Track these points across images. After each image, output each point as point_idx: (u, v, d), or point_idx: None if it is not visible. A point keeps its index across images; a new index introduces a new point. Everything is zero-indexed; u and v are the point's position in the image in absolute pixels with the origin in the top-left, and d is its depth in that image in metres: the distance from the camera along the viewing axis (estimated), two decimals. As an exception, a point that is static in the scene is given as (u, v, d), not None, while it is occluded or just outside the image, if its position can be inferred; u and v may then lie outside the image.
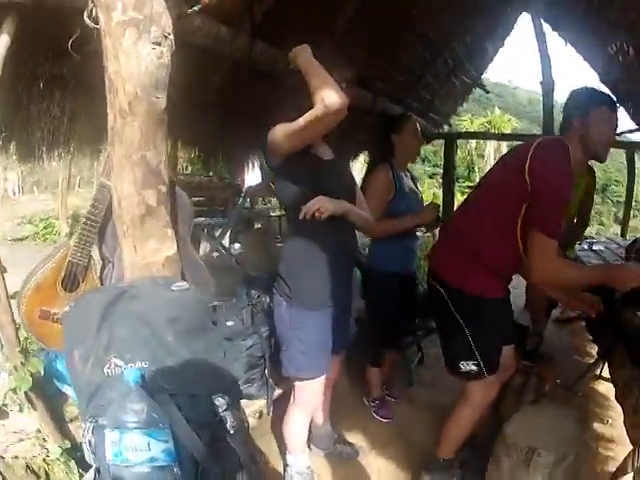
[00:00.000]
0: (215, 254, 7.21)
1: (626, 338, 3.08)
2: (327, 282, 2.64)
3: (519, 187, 2.55)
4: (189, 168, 9.31)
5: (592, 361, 4.93)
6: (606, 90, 8.18)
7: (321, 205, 2.43)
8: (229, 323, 3.12)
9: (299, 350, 2.67)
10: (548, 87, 7.59)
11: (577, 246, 5.81)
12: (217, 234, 7.64)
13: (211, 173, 8.94)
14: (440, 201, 9.15)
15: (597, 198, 33.40)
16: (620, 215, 34.86)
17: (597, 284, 2.78)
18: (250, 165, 6.36)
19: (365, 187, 3.58)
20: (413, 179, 4.20)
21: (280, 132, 2.42)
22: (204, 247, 7.42)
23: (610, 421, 4.26)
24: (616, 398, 3.23)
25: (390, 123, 4.01)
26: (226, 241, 7.82)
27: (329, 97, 2.20)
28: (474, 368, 2.80)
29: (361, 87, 5.64)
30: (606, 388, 4.45)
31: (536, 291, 4.49)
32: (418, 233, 4.31)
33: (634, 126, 8.52)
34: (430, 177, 28.82)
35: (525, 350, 4.24)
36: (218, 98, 4.08)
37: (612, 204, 36.90)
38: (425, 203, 4.16)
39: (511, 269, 2.88)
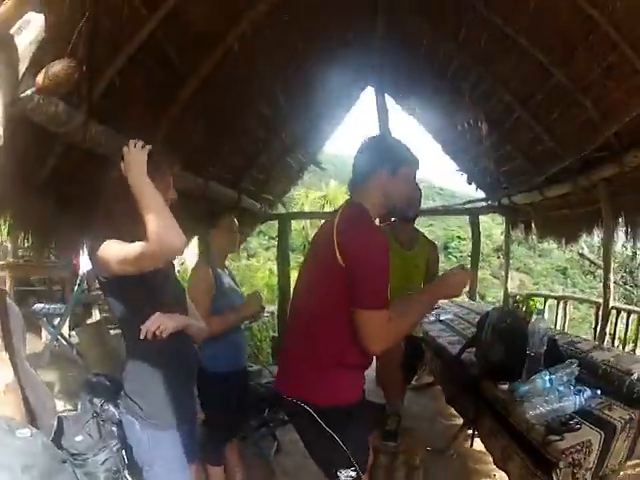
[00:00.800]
0: (55, 344, 6.92)
1: (493, 409, 3.23)
2: (177, 398, 2.56)
3: (336, 271, 2.39)
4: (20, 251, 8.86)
5: (460, 424, 5.18)
6: (449, 158, 9.35)
7: (160, 323, 2.31)
8: (78, 438, 3.00)
9: (163, 469, 2.55)
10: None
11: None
12: (56, 322, 7.30)
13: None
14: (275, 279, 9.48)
15: (440, 255, 34.92)
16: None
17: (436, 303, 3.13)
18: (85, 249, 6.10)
19: (189, 287, 3.55)
20: (231, 275, 4.20)
21: (111, 254, 2.24)
22: (45, 336, 7.11)
23: (496, 475, 4.43)
24: (495, 464, 3.28)
25: (207, 220, 4.06)
26: (66, 329, 7.49)
27: (166, 238, 2.07)
28: (353, 474, 2.59)
29: (192, 172, 5.67)
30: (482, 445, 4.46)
31: (387, 369, 4.45)
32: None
33: (473, 192, 9.95)
34: (266, 250, 28.75)
35: (386, 431, 4.08)
36: (53, 180, 3.94)
37: (456, 260, 38.86)
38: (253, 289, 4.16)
39: (360, 357, 2.62)
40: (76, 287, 7.89)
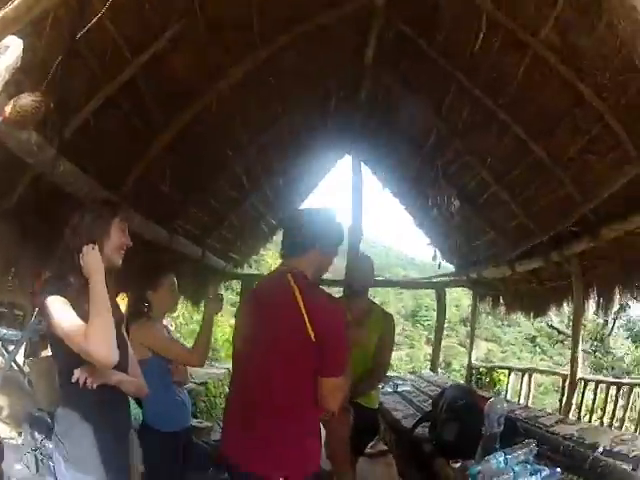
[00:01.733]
0: (8, 370, 6.70)
1: None
2: (102, 447, 2.50)
3: (306, 345, 2.38)
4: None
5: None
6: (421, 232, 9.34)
7: (88, 375, 2.28)
8: (17, 467, 2.99)
9: None
10: (355, 233, 7.63)
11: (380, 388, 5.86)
12: (11, 348, 7.04)
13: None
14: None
15: (408, 323, 34.49)
16: (431, 337, 36.75)
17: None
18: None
19: (151, 344, 3.52)
20: (169, 331, 4.17)
21: (52, 312, 2.24)
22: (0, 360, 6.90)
23: None
24: None
25: (147, 280, 3.93)
26: (21, 356, 7.24)
27: (96, 343, 2.11)
28: None
29: (158, 223, 5.62)
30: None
31: (336, 443, 4.23)
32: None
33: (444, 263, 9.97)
34: (232, 305, 28.26)
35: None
36: (20, 207, 3.81)
37: (423, 328, 38.85)
38: None
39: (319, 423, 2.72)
40: (33, 317, 7.66)
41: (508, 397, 8.90)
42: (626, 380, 7.78)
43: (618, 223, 5.11)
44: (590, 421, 6.97)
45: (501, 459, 2.64)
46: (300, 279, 2.50)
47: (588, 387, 7.17)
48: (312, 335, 2.33)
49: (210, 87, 4.81)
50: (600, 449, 2.96)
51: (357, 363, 3.35)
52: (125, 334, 2.76)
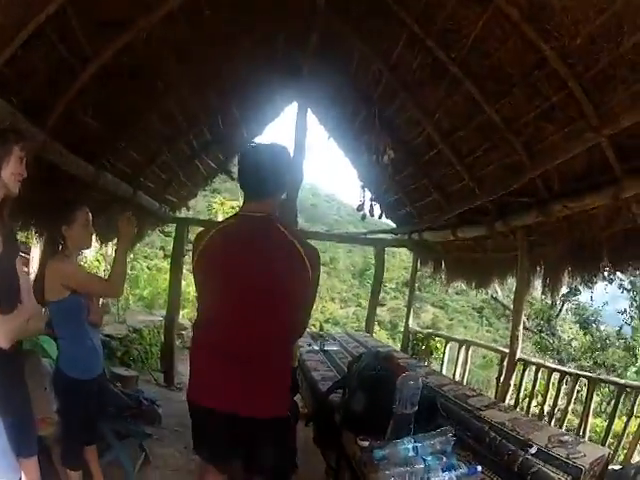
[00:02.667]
0: None
1: (349, 463, 3.02)
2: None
3: (307, 286, 2.60)
4: None
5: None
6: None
7: None
8: None
9: None
10: (296, 179, 7.11)
11: (307, 346, 5.91)
12: None
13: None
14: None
15: (356, 281, 34.68)
16: (380, 297, 36.84)
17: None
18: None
19: (69, 281, 3.53)
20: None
21: None
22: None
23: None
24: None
25: (61, 214, 3.85)
26: None
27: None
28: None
29: (84, 158, 5.26)
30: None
31: None
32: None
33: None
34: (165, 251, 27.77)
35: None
36: None
37: (370, 286, 39.09)
38: None
39: None
40: None
41: (444, 368, 8.79)
42: (572, 369, 7.54)
43: (572, 200, 4.81)
44: (529, 406, 6.82)
45: (410, 446, 2.44)
46: (283, 223, 2.60)
47: (529, 369, 6.96)
48: (310, 275, 2.52)
49: (142, 17, 4.38)
50: (534, 449, 2.65)
51: None
52: (18, 267, 2.68)
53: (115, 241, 4.00)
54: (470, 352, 8.47)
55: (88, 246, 4.14)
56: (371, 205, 7.97)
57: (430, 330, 11.04)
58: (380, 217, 8.70)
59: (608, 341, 14.05)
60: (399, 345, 10.89)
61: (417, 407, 2.72)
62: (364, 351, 5.07)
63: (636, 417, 5.78)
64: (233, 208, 17.43)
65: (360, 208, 7.87)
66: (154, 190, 8.07)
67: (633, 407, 5.72)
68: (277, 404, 2.68)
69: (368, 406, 2.98)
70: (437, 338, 9.97)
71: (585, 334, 15.15)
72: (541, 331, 15.67)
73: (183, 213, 10.07)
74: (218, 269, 2.60)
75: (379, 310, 35.85)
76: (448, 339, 9.43)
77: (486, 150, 5.79)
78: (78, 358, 3.66)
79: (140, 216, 7.50)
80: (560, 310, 15.76)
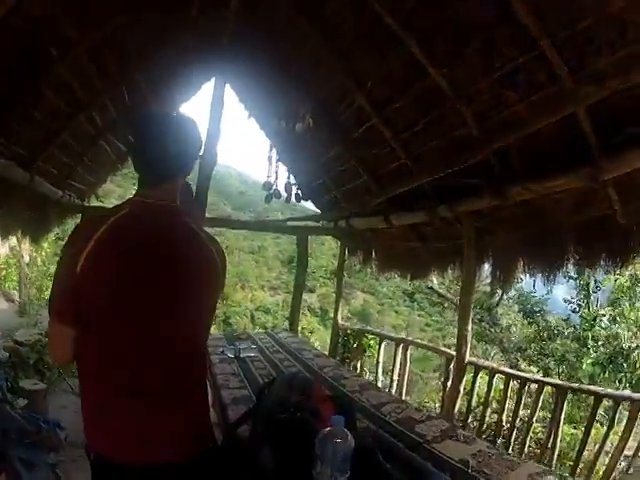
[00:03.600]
0: None
1: None
2: None
3: (219, 281, 2.18)
4: None
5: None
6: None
7: None
8: None
9: None
10: (210, 161, 6.62)
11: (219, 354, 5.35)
12: None
13: None
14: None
15: (284, 269, 34.53)
16: (308, 284, 36.94)
17: None
18: None
19: None
20: None
21: None
22: None
23: None
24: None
25: None
26: None
27: None
28: None
29: None
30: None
31: None
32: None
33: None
34: None
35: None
36: None
37: None
38: None
39: None
40: None
41: (379, 369, 8.05)
42: (536, 377, 6.50)
43: (535, 182, 4.06)
44: (483, 416, 6.13)
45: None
46: (190, 216, 2.16)
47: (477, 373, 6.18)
48: (221, 275, 2.17)
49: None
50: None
51: None
52: None
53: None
54: (409, 352, 7.56)
55: None
56: (289, 186, 6.92)
57: (361, 326, 10.01)
58: (299, 201, 7.57)
59: (556, 331, 13.51)
60: (330, 333, 9.86)
61: (349, 473, 1.98)
62: (281, 372, 4.58)
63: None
64: None
65: (268, 186, 6.79)
66: (57, 176, 7.02)
67: (614, 419, 5.00)
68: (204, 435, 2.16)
69: (278, 467, 2.22)
70: (370, 336, 9.00)
71: (530, 324, 14.60)
72: (481, 320, 15.10)
73: (94, 202, 8.96)
74: (112, 277, 1.93)
75: (309, 297, 35.94)
76: (382, 337, 8.44)
77: (428, 123, 4.98)
78: None
79: (42, 206, 6.94)
80: (500, 299, 15.08)
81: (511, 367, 12.05)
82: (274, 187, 6.75)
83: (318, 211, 9.27)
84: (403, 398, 7.21)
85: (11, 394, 5.96)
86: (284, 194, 6.84)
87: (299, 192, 7.11)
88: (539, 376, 6.02)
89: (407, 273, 7.65)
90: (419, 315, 33.03)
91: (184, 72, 6.76)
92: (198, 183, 6.38)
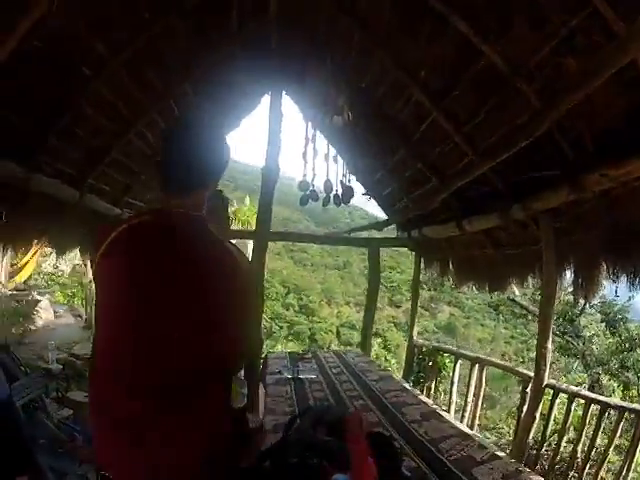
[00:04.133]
0: None
1: None
2: None
3: (244, 292, 1.99)
4: None
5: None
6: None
7: None
8: None
9: None
10: (271, 175, 6.34)
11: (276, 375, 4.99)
12: None
13: None
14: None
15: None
16: (394, 299, 36.49)
17: None
18: None
19: None
20: None
21: None
22: None
23: None
24: None
25: None
26: None
27: None
28: None
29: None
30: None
31: None
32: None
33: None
34: None
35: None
36: None
37: (386, 289, 38.63)
38: None
39: None
40: None
41: (454, 389, 7.25)
42: (616, 401, 5.28)
43: (613, 166, 3.30)
44: (559, 445, 5.25)
45: None
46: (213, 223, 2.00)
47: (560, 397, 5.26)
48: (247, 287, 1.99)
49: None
50: None
51: None
52: None
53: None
54: (485, 372, 6.73)
55: None
56: (328, 184, 6.16)
57: (437, 344, 9.10)
58: (338, 204, 6.46)
59: (638, 340, 12.11)
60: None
61: None
62: (339, 397, 4.26)
63: None
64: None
65: (305, 187, 6.18)
66: (111, 194, 6.91)
67: None
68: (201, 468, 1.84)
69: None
70: (445, 355, 8.18)
71: (612, 334, 13.18)
72: (564, 333, 13.65)
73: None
74: (122, 277, 1.88)
75: (395, 311, 35.23)
76: (458, 355, 7.62)
77: (490, 111, 4.34)
78: None
79: (95, 223, 6.49)
80: (583, 308, 13.57)
81: (592, 383, 10.93)
82: (310, 187, 6.16)
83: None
84: (477, 422, 6.62)
85: (58, 404, 6.05)
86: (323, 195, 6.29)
87: (339, 194, 6.30)
88: (618, 399, 5.03)
89: (485, 284, 6.89)
90: (504, 328, 31.83)
91: (237, 83, 6.47)
92: (261, 196, 6.34)
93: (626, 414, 4.71)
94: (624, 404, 4.82)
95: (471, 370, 6.83)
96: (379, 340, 30.11)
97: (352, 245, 9.62)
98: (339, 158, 6.42)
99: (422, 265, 8.69)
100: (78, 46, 4.28)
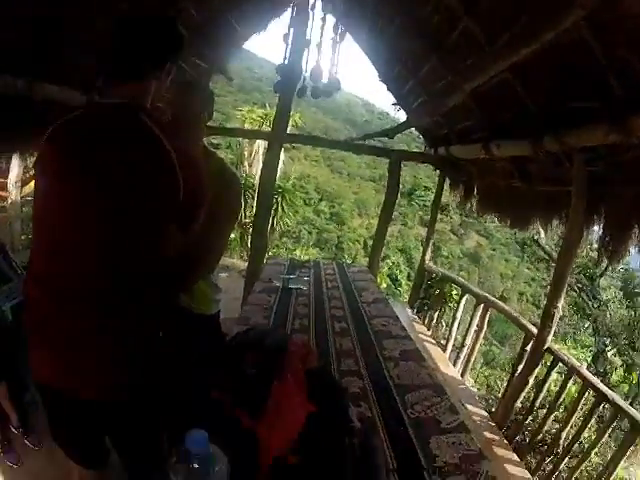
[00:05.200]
0: None
1: None
2: None
3: (171, 188, 1.77)
4: None
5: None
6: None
7: None
8: None
9: None
10: (291, 73, 5.61)
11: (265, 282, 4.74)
12: None
13: None
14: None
15: (404, 200, 34.06)
16: (425, 217, 36.19)
17: None
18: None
19: None
20: None
21: None
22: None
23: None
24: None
25: None
26: None
27: None
28: None
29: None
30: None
31: None
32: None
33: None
34: None
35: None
36: None
37: (418, 207, 38.31)
38: None
39: None
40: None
41: (454, 325, 6.78)
42: (613, 395, 4.15)
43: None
44: (545, 420, 4.70)
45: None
46: (155, 119, 1.80)
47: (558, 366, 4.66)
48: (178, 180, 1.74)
49: None
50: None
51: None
52: None
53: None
54: (488, 314, 6.19)
55: None
56: (317, 70, 5.35)
57: (446, 272, 8.43)
58: (316, 97, 5.55)
59: None
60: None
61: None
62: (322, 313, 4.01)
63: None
64: (260, 117, 15.77)
65: (281, 71, 5.46)
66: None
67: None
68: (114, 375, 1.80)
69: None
70: (454, 285, 7.60)
71: (628, 307, 12.26)
72: (581, 290, 12.77)
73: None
74: (49, 177, 1.80)
75: (423, 231, 35.20)
76: (465, 290, 7.03)
77: (528, 25, 3.52)
78: None
79: None
80: (606, 269, 12.39)
81: (598, 352, 10.38)
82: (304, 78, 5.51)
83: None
84: (469, 370, 6.21)
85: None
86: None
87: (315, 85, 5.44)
88: (619, 398, 4.31)
89: (506, 218, 6.25)
90: (527, 268, 31.30)
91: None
92: (280, 98, 6.26)
93: (620, 415, 4.04)
94: (621, 403, 4.01)
95: (475, 309, 6.34)
96: (402, 257, 30.07)
97: (372, 154, 8.87)
98: (341, 47, 5.56)
99: (447, 187, 8.06)
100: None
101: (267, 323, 3.57)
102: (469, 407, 5.07)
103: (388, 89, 7.28)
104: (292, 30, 5.45)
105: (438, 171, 8.05)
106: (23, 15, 3.98)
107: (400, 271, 24.36)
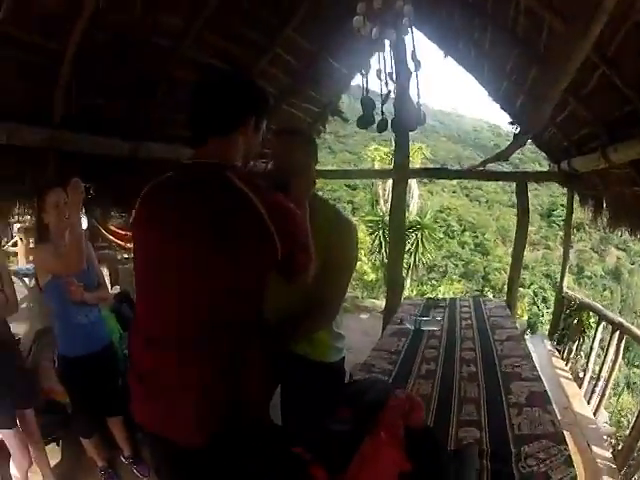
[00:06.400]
0: None
1: None
2: None
3: (263, 251, 1.77)
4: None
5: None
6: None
7: None
8: None
9: None
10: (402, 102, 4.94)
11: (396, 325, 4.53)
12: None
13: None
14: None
15: (543, 222, 32.61)
16: None
17: None
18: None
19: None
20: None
21: None
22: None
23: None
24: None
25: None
26: None
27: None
28: None
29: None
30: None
31: None
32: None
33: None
34: None
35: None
36: None
37: (558, 227, 36.67)
38: None
39: None
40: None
41: (591, 358, 6.05)
42: None
43: None
44: None
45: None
46: (243, 174, 1.80)
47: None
48: (274, 245, 1.71)
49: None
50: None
51: (291, 293, 2.18)
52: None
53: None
54: (623, 343, 5.40)
55: (70, 229, 3.49)
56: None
57: (584, 298, 7.57)
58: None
59: None
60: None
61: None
62: (449, 357, 3.73)
63: None
64: (386, 155, 15.66)
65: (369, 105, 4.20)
66: None
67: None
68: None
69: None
70: (591, 313, 6.72)
71: None
72: None
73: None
74: (142, 233, 1.96)
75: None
76: (602, 316, 6.22)
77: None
78: (63, 335, 3.66)
79: None
80: None
81: None
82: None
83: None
84: (603, 404, 5.46)
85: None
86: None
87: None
88: None
89: (637, 231, 5.61)
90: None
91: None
92: (397, 134, 6.19)
93: None
94: None
95: (611, 337, 5.58)
96: (547, 283, 28.66)
97: (496, 179, 8.53)
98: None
99: (577, 204, 7.38)
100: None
101: (392, 369, 3.46)
102: (595, 449, 4.45)
103: (501, 107, 6.87)
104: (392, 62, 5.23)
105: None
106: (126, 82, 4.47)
107: (545, 299, 23.30)
